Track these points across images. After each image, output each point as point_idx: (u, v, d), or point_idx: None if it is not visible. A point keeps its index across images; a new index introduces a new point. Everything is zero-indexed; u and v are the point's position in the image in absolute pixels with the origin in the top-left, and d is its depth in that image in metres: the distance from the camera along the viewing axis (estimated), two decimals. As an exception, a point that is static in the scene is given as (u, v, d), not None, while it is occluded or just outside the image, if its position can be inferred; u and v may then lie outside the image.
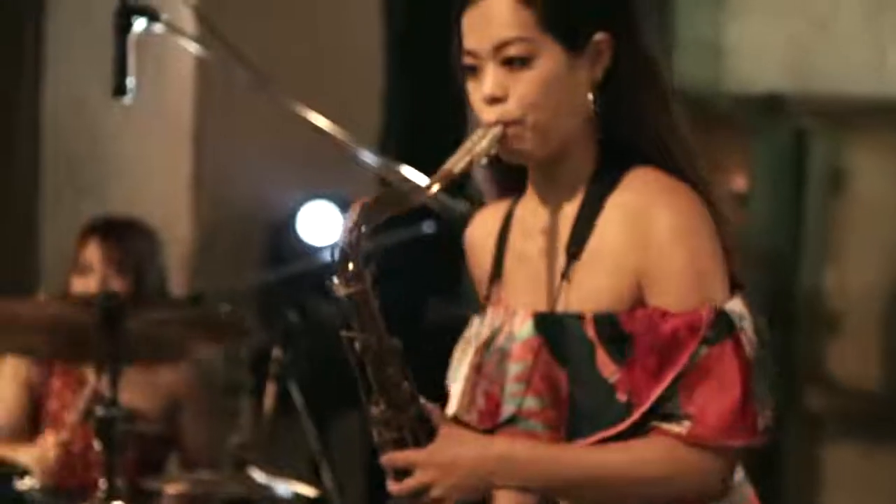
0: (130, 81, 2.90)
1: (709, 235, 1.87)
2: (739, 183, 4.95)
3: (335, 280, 1.84)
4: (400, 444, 1.87)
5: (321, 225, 4.28)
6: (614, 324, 1.86)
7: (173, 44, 3.14)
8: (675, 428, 1.83)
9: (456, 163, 1.86)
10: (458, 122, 2.46)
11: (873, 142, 4.91)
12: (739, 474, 1.93)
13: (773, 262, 4.80)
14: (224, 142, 4.40)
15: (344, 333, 1.86)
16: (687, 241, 1.85)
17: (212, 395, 3.57)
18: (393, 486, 1.87)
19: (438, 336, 3.45)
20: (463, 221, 3.00)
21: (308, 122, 2.92)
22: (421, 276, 3.97)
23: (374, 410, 1.87)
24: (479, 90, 1.90)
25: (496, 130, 1.88)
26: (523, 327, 1.92)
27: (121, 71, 2.90)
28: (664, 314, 1.84)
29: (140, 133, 4.45)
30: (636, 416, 1.84)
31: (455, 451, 1.85)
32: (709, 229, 1.87)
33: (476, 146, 1.87)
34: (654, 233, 1.85)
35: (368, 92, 4.70)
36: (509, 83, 1.88)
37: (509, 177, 1.99)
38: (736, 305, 1.86)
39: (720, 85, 4.97)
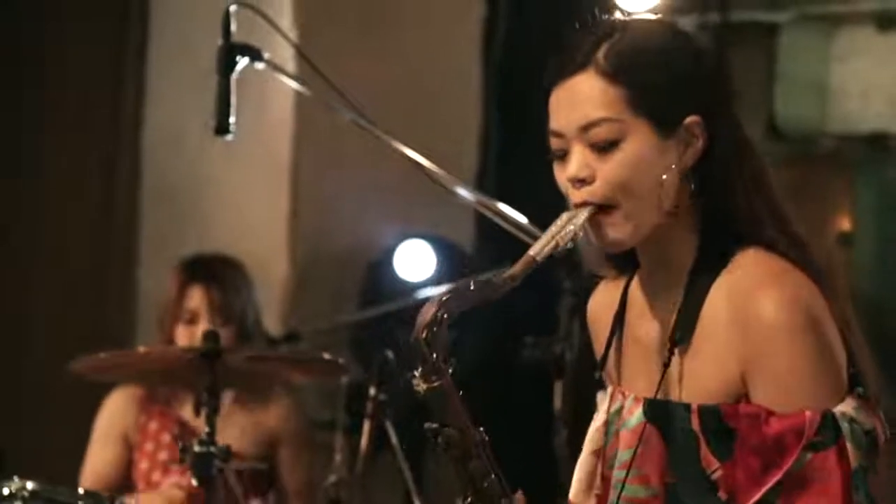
0: (232, 120, 2.91)
1: (821, 329, 1.80)
2: (844, 223, 4.87)
3: (414, 375, 1.81)
4: None
5: (418, 263, 4.27)
6: (719, 418, 1.82)
7: (273, 80, 3.16)
8: None
9: (540, 250, 1.81)
10: (550, 162, 2.44)
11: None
12: None
13: (879, 303, 4.70)
14: (322, 179, 4.42)
15: (427, 426, 1.83)
16: (793, 337, 1.79)
17: (308, 433, 3.57)
18: None
19: (533, 375, 3.43)
20: (558, 262, 2.99)
21: (406, 159, 2.91)
22: (516, 314, 3.94)
23: (464, 503, 1.84)
24: (564, 171, 1.86)
25: (583, 213, 1.83)
26: (634, 414, 1.89)
27: (224, 110, 2.92)
28: (769, 415, 1.79)
29: (239, 170, 4.48)
30: None
31: None
32: (822, 322, 1.80)
33: (562, 231, 1.82)
34: (760, 325, 1.79)
35: (466, 130, 4.70)
36: (596, 165, 1.83)
37: (622, 256, 1.95)
38: (847, 408, 1.80)
39: (825, 124, 4.91)
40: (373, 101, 3.21)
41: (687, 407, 1.84)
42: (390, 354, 3.19)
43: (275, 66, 2.96)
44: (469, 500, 1.83)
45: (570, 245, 1.83)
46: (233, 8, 2.93)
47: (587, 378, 3.08)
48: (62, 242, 4.65)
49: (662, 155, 1.84)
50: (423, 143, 3.00)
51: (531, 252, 1.82)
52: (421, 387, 1.81)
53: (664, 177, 1.84)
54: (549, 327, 3.24)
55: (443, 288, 3.88)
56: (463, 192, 2.97)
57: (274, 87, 3.91)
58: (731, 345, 1.81)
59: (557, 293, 3.10)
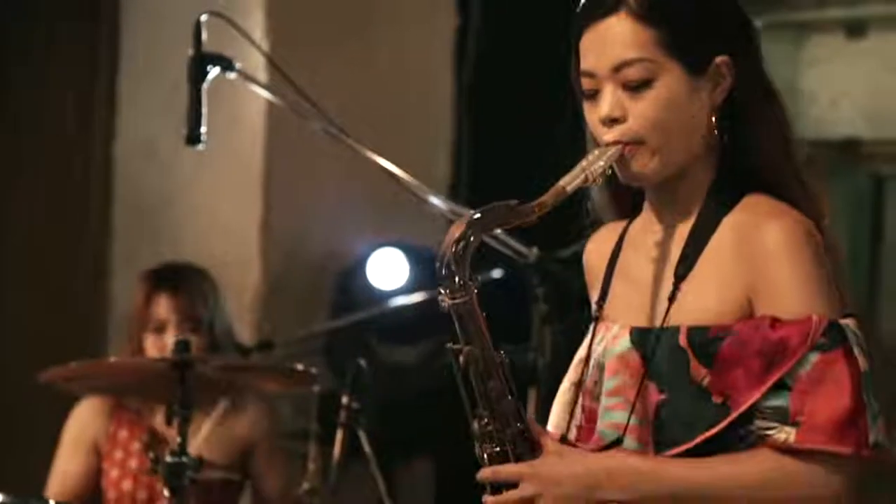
0: (203, 130, 2.91)
1: (821, 257, 1.85)
2: (814, 229, 4.89)
3: (440, 291, 1.84)
4: (503, 458, 1.86)
5: (391, 271, 4.28)
6: (706, 336, 1.85)
7: (245, 90, 3.16)
8: (781, 436, 1.80)
9: (571, 181, 1.86)
10: (522, 169, 2.45)
11: (952, 188, 4.83)
12: None
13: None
14: (294, 188, 4.41)
15: (449, 346, 1.86)
16: (799, 256, 1.83)
17: (281, 442, 3.56)
18: (490, 500, 1.86)
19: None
20: (531, 269, 3.00)
21: (378, 168, 2.92)
22: (489, 322, 3.95)
23: (477, 425, 1.86)
24: (595, 111, 1.90)
25: (613, 150, 1.87)
26: (619, 342, 1.92)
27: (195, 119, 2.92)
28: (774, 321, 1.82)
29: (211, 179, 4.47)
30: (734, 415, 1.82)
31: (561, 465, 1.85)
32: (821, 252, 1.86)
33: (592, 165, 1.87)
34: (763, 248, 1.84)
35: (438, 139, 4.71)
36: (628, 104, 1.88)
37: (627, 198, 2.00)
38: (851, 324, 1.84)
39: (797, 130, 4.92)
40: (345, 111, 3.22)
41: (676, 329, 1.87)
42: (363, 363, 3.19)
43: (246, 76, 2.97)
44: (485, 420, 1.85)
45: (599, 181, 1.87)
46: (204, 18, 2.93)
47: (559, 385, 3.09)
48: (35, 252, 4.63)
49: (693, 94, 1.88)
50: (395, 152, 3.00)
51: (561, 182, 1.86)
52: (447, 302, 1.84)
53: (694, 116, 1.88)
54: (522, 335, 3.25)
55: (416, 295, 3.90)
56: (435, 201, 2.98)
57: (246, 96, 3.91)
58: (736, 272, 1.85)
59: (530, 300, 3.11)
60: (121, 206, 4.66)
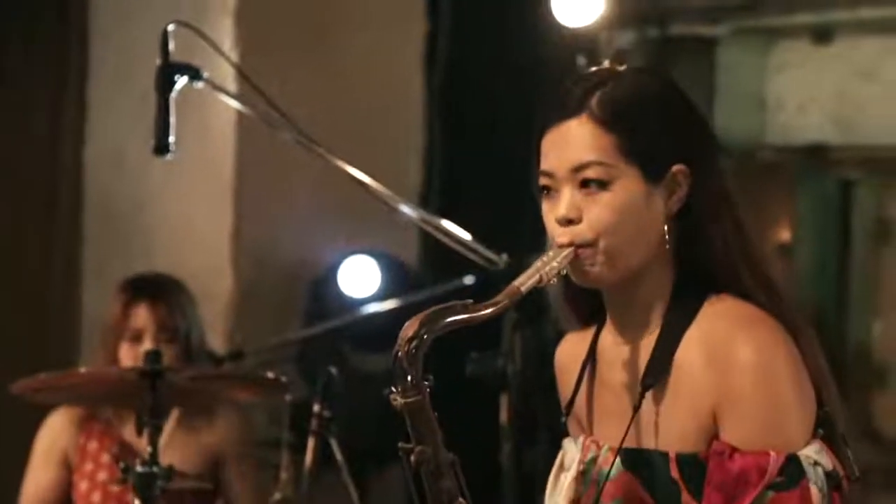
0: (172, 139, 2.91)
1: (792, 374, 1.84)
2: (784, 234, 4.92)
3: (393, 390, 1.83)
4: None
5: (362, 280, 4.28)
6: (697, 464, 1.85)
7: (215, 100, 3.16)
8: None
9: (524, 281, 1.85)
10: (493, 177, 2.45)
11: (919, 192, 4.87)
12: None
13: (818, 315, 4.75)
14: (265, 197, 4.41)
15: (401, 445, 1.85)
16: (765, 380, 1.82)
17: (253, 451, 3.56)
18: None
19: (478, 390, 3.44)
20: (501, 276, 3.01)
21: (349, 177, 2.92)
22: (461, 329, 3.96)
23: None
24: (552, 211, 1.91)
25: (567, 252, 1.88)
26: (613, 465, 1.92)
27: (163, 129, 2.92)
28: (734, 451, 1.82)
29: (182, 188, 4.47)
30: None
31: None
32: (792, 367, 1.84)
33: (546, 266, 1.86)
34: (733, 369, 1.83)
35: (409, 147, 4.72)
36: (584, 206, 1.89)
37: (587, 305, 2.00)
38: (811, 451, 1.83)
39: (764, 136, 4.96)
40: (315, 119, 3.22)
41: (664, 455, 1.87)
42: (334, 371, 3.20)
43: (214, 85, 2.97)
44: None
45: (553, 281, 1.87)
46: (171, 27, 2.93)
47: (530, 391, 3.10)
48: (4, 261, 4.62)
49: (649, 200, 1.89)
50: (366, 160, 3.01)
51: (516, 283, 1.86)
52: (399, 401, 1.82)
53: (649, 222, 1.89)
54: (493, 341, 3.26)
55: (388, 303, 3.90)
56: (406, 210, 2.99)
57: (217, 106, 3.91)
58: (706, 388, 1.85)
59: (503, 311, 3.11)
60: (91, 215, 4.65)
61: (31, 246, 4.65)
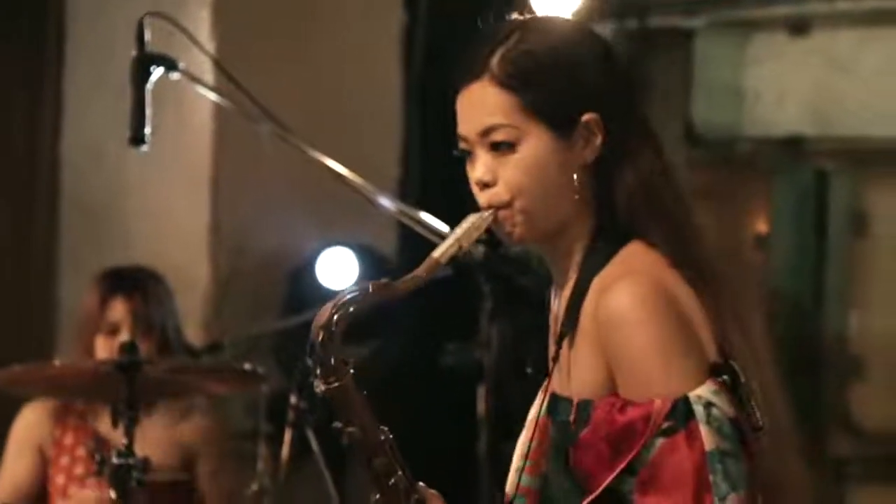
0: (148, 131, 2.90)
1: (668, 317, 1.82)
2: (761, 226, 4.93)
3: (313, 378, 1.84)
4: None
5: (340, 271, 4.28)
6: (589, 406, 1.84)
7: (192, 91, 3.15)
8: None
9: (444, 252, 1.85)
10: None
11: (895, 184, 4.88)
12: None
13: (794, 306, 4.77)
14: (243, 188, 4.41)
15: (334, 425, 1.86)
16: (641, 327, 1.81)
17: (229, 443, 3.55)
18: None
19: (455, 380, 3.45)
20: (477, 266, 3.01)
21: (326, 168, 2.92)
22: (437, 320, 3.96)
23: (373, 500, 1.87)
24: (472, 174, 1.91)
25: (487, 215, 1.87)
26: (540, 406, 1.93)
27: (138, 120, 2.91)
28: (624, 404, 1.81)
29: (159, 180, 4.46)
30: (587, 501, 1.81)
31: None
32: (669, 310, 1.82)
33: (465, 233, 1.86)
34: (611, 315, 1.82)
35: (387, 138, 4.72)
36: (498, 168, 1.87)
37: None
38: (704, 391, 1.81)
39: (741, 128, 4.97)
40: (292, 111, 3.22)
41: (570, 401, 1.87)
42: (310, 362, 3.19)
43: (191, 77, 2.96)
44: (377, 496, 1.85)
45: (472, 247, 1.88)
46: (147, 18, 2.92)
47: (507, 382, 3.10)
48: (-19, 255, 4.60)
49: (561, 154, 1.87)
50: (344, 152, 3.01)
51: (434, 254, 1.85)
52: (320, 388, 1.84)
53: (563, 175, 1.88)
54: (470, 332, 3.26)
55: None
56: (384, 202, 2.99)
57: (193, 97, 3.90)
58: (596, 339, 1.85)
59: (477, 297, 3.12)
60: (68, 207, 4.63)
61: (8, 238, 4.63)
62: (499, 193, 1.87)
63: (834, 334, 4.82)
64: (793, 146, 4.87)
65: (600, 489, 1.81)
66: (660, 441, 1.79)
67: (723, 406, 1.81)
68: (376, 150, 4.58)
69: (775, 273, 4.78)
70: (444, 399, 3.27)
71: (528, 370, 2.01)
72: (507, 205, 1.87)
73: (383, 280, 1.85)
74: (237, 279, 4.40)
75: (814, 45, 4.85)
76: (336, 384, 1.84)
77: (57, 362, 3.45)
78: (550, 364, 1.92)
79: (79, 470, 3.36)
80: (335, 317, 1.83)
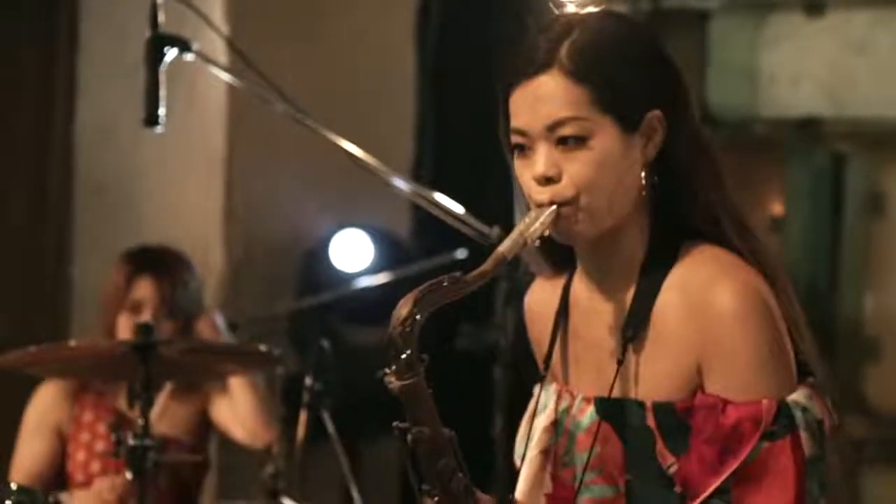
0: (162, 112, 2.90)
1: (772, 320, 1.81)
2: (776, 207, 4.92)
3: (388, 372, 1.80)
4: None
5: (354, 253, 4.27)
6: (673, 413, 1.83)
7: (206, 72, 3.14)
8: None
9: (510, 248, 1.82)
10: (486, 151, 2.44)
11: (911, 165, 4.87)
12: None
13: (810, 288, 4.76)
14: (257, 170, 4.41)
15: (396, 425, 1.83)
16: (748, 324, 1.80)
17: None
18: None
19: (470, 363, 3.45)
20: (493, 249, 3.00)
21: (341, 150, 2.91)
22: (453, 302, 3.96)
23: (427, 501, 1.84)
24: (528, 169, 1.87)
25: (549, 212, 1.83)
26: (586, 414, 1.90)
27: (152, 101, 2.90)
28: (726, 404, 1.80)
29: (173, 161, 4.46)
30: None
31: None
32: (772, 313, 1.82)
33: (529, 228, 1.83)
34: (715, 317, 1.81)
35: (401, 118, 4.71)
36: (563, 163, 1.84)
37: (559, 252, 1.96)
38: (800, 396, 1.82)
39: (756, 109, 4.95)
40: (306, 91, 3.21)
41: (641, 404, 1.85)
42: (326, 344, 3.19)
43: (204, 57, 2.95)
44: (436, 498, 1.83)
45: (537, 243, 1.84)
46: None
47: (523, 365, 3.10)
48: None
49: (627, 151, 1.85)
50: (357, 133, 2.99)
51: (501, 249, 1.82)
52: (394, 383, 1.80)
53: (628, 173, 1.86)
54: (485, 314, 3.26)
55: (380, 276, 3.89)
56: (398, 183, 2.98)
57: (207, 78, 3.90)
58: (686, 338, 1.83)
59: (493, 280, 3.11)
60: (82, 188, 4.63)
61: (22, 219, 4.63)
62: (563, 189, 1.84)
63: (849, 317, 4.80)
64: (808, 128, 4.85)
65: (707, 493, 1.80)
66: (764, 444, 1.79)
67: (814, 410, 1.82)
68: (390, 131, 4.58)
69: (790, 255, 4.77)
70: (459, 381, 3.26)
71: (543, 372, 1.99)
72: (572, 201, 1.84)
73: (456, 273, 1.83)
74: (251, 261, 4.40)
75: (829, 26, 4.83)
76: (411, 381, 1.80)
77: (72, 343, 3.45)
78: (616, 366, 1.86)
79: (99, 446, 3.36)
80: (414, 311, 1.79)
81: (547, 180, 1.85)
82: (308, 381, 3.18)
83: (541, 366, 2.00)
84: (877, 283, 4.82)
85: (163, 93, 2.88)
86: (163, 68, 2.89)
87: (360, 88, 4.56)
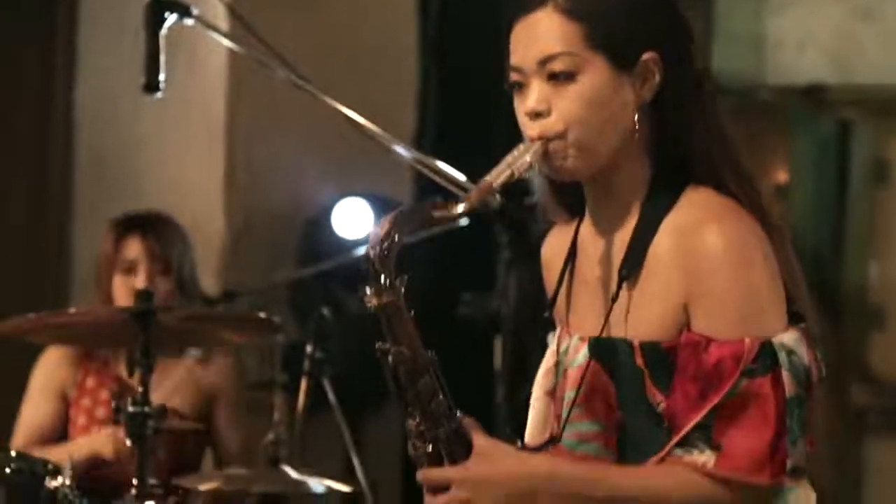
0: (161, 77, 2.88)
1: (762, 262, 1.83)
2: (781, 175, 4.90)
3: (367, 291, 1.82)
4: (435, 459, 1.85)
5: (355, 221, 4.26)
6: (661, 352, 1.84)
7: (206, 38, 3.12)
8: (701, 458, 1.81)
9: (496, 176, 1.84)
10: (488, 120, 2.42)
11: (917, 133, 4.85)
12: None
13: (815, 255, 4.74)
14: (258, 138, 4.38)
15: (378, 345, 1.84)
16: (736, 264, 1.81)
17: (245, 393, 3.55)
18: (429, 501, 1.85)
19: (472, 330, 3.43)
20: (495, 216, 2.99)
21: (342, 117, 2.89)
22: (455, 270, 3.94)
23: (410, 423, 1.85)
24: (522, 105, 1.89)
25: (537, 146, 1.86)
26: (580, 353, 1.91)
27: (152, 67, 2.88)
28: (709, 342, 1.81)
29: (174, 129, 4.44)
30: (673, 442, 1.82)
31: (491, 468, 1.83)
32: (762, 255, 1.83)
33: (517, 160, 1.85)
34: (702, 256, 1.82)
35: (403, 85, 4.68)
36: (553, 98, 1.87)
37: (570, 198, 1.98)
38: (787, 338, 1.82)
39: (762, 76, 4.93)
40: (308, 58, 3.18)
41: (630, 344, 1.86)
42: (326, 312, 3.18)
43: (204, 23, 2.93)
44: (416, 419, 1.84)
45: (525, 175, 1.86)
46: (161, -36, 2.89)
47: (524, 332, 3.08)
48: (-4, 205, 4.60)
49: (619, 90, 1.87)
50: (359, 100, 2.98)
51: (487, 178, 1.84)
52: (372, 303, 1.82)
53: (619, 111, 1.87)
54: (487, 282, 3.24)
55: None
56: (400, 150, 2.96)
57: (207, 44, 3.87)
58: (675, 278, 1.84)
59: (494, 248, 3.10)
60: (83, 158, 4.62)
61: (23, 188, 4.63)
62: (552, 124, 1.86)
63: (854, 284, 4.79)
64: (814, 95, 4.83)
65: (688, 428, 1.81)
66: (744, 381, 1.80)
67: (801, 354, 1.82)
68: (392, 98, 4.55)
69: (795, 223, 4.75)
70: (460, 349, 3.25)
71: (546, 314, 2.00)
72: (561, 136, 1.86)
73: (438, 200, 1.84)
74: (253, 229, 4.39)
75: (835, -7, 4.81)
76: (389, 300, 1.81)
77: (72, 310, 3.44)
78: (610, 304, 1.88)
79: (100, 412, 3.37)
80: (393, 231, 1.81)
81: (537, 115, 1.87)
82: (309, 348, 3.17)
83: (550, 312, 2.02)
84: (882, 250, 4.81)
85: (163, 59, 2.87)
86: (163, 33, 2.88)
87: (362, 55, 4.53)
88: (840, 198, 4.81)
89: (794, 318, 1.85)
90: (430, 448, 1.84)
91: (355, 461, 3.21)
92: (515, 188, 2.67)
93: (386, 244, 1.80)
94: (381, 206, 4.29)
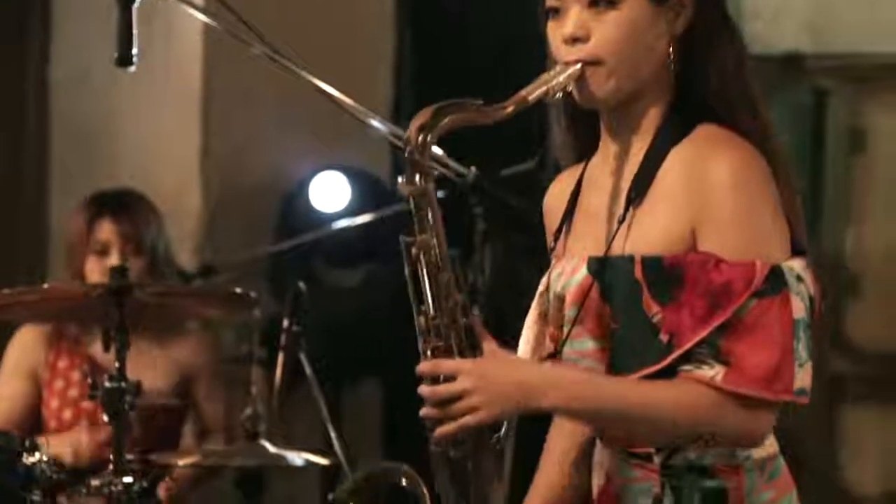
0: (134, 51, 2.86)
1: (768, 192, 1.89)
2: (757, 145, 4.89)
3: (400, 179, 1.86)
4: (446, 353, 1.88)
5: (333, 195, 4.25)
6: (661, 266, 1.89)
7: (181, 12, 3.11)
8: (710, 372, 1.84)
9: (532, 91, 1.90)
10: (466, 88, 2.41)
11: (894, 101, 4.84)
12: (774, 447, 1.95)
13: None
14: (234, 111, 4.37)
15: (402, 238, 1.87)
16: (745, 191, 1.87)
17: (223, 368, 3.55)
18: (425, 390, 1.87)
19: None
20: (470, 188, 2.98)
21: (319, 91, 2.88)
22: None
23: (422, 319, 1.87)
24: (559, 31, 1.94)
25: (574, 69, 1.92)
26: (579, 272, 1.95)
27: (125, 41, 2.86)
28: (719, 262, 1.86)
29: (149, 103, 4.42)
30: (675, 355, 1.86)
31: (503, 365, 1.88)
32: (769, 187, 1.89)
33: (553, 79, 1.91)
34: (711, 180, 1.88)
35: (380, 59, 4.67)
36: (592, 25, 1.92)
37: (584, 139, 2.04)
38: (796, 265, 1.88)
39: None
40: (284, 33, 3.17)
41: (630, 258, 1.91)
42: (302, 286, 3.18)
43: (177, -4, 2.91)
44: (431, 313, 1.87)
45: (558, 94, 1.92)
46: (132, -64, 2.86)
47: (502, 304, 3.08)
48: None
49: (655, 21, 1.94)
50: (336, 75, 2.96)
51: (523, 92, 1.90)
52: (405, 189, 1.86)
53: (654, 42, 1.93)
54: (463, 254, 3.24)
55: (359, 218, 3.87)
56: (377, 124, 2.95)
57: (182, 18, 3.85)
58: (682, 203, 1.89)
59: (470, 220, 3.10)
60: (58, 133, 4.60)
61: (-1, 164, 4.60)
62: (591, 49, 1.92)
63: (830, 252, 4.80)
64: (791, 64, 4.83)
65: (691, 343, 1.86)
66: (754, 301, 1.85)
67: (808, 283, 1.89)
68: (369, 73, 4.54)
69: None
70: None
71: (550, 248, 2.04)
72: (598, 61, 1.92)
73: (479, 101, 1.88)
74: (229, 203, 4.38)
75: (812, -39, 4.80)
76: (421, 188, 1.85)
77: (46, 286, 3.43)
78: (617, 224, 1.91)
79: (73, 393, 3.37)
80: (433, 122, 1.85)
81: (575, 40, 1.93)
82: (286, 322, 3.17)
83: (551, 250, 2.06)
84: (858, 219, 4.82)
85: (136, 32, 2.85)
86: (136, 6, 2.86)
87: (339, 28, 4.51)
88: (816, 166, 4.82)
89: (801, 251, 1.92)
90: (441, 342, 1.87)
91: (333, 435, 3.21)
92: (489, 162, 2.67)
93: (425, 133, 1.84)
94: (359, 179, 4.28)
